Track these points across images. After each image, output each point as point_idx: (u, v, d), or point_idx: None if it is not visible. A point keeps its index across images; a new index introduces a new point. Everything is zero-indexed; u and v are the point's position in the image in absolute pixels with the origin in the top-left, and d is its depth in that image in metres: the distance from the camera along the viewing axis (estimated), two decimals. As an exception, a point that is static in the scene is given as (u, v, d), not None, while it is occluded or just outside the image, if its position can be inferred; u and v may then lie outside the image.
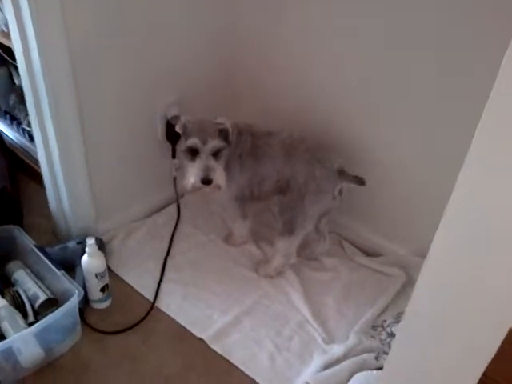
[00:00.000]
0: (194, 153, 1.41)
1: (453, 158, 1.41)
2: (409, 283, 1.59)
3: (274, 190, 1.54)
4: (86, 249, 1.34)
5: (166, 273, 1.58)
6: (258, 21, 1.70)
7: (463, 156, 0.63)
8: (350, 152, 1.63)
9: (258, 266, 1.63)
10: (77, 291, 1.28)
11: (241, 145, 1.49)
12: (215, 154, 1.41)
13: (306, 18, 1.58)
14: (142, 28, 1.48)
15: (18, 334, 1.20)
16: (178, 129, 1.45)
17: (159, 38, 1.54)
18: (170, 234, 1.73)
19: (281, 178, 1.51)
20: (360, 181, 1.48)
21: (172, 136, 1.73)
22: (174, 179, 1.83)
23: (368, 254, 1.74)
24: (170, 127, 1.70)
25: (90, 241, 1.33)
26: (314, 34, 1.58)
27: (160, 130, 1.71)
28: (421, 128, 1.48)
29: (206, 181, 1.39)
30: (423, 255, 1.59)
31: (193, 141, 1.39)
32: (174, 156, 1.79)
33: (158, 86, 1.63)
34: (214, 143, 1.39)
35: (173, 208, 1.85)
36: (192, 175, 1.41)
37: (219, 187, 1.42)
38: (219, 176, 1.41)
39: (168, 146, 1.76)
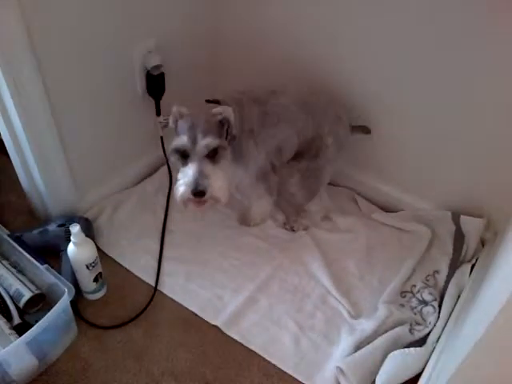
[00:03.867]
0: (184, 155, 1.13)
1: (471, 104, 1.27)
2: (435, 240, 1.44)
3: (293, 155, 1.37)
4: (72, 238, 1.13)
5: (165, 250, 1.40)
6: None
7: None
8: (356, 102, 1.45)
9: (293, 223, 1.48)
10: (66, 290, 1.09)
11: (247, 118, 1.23)
12: (212, 156, 1.12)
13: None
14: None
15: (7, 348, 1.01)
16: (170, 122, 1.17)
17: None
18: (164, 203, 1.53)
19: (302, 141, 1.31)
20: (366, 130, 1.40)
21: (155, 89, 1.48)
22: (161, 139, 1.59)
23: (385, 209, 1.57)
24: (151, 79, 1.44)
25: (74, 229, 1.12)
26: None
27: (140, 83, 1.45)
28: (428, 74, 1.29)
29: (198, 192, 1.10)
30: (446, 208, 1.48)
31: (181, 140, 1.11)
32: (158, 113, 1.54)
33: (133, 30, 1.34)
34: (207, 141, 1.10)
35: (163, 171, 1.63)
36: (181, 185, 1.13)
37: (217, 200, 1.15)
38: (216, 185, 1.12)
39: (151, 101, 1.51)
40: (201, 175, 1.10)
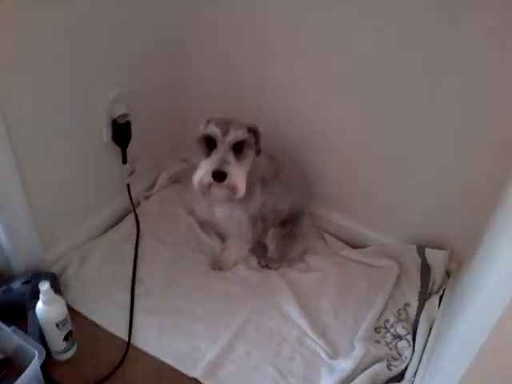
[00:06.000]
0: (210, 145, 1.19)
1: (429, 141, 1.34)
2: (402, 273, 1.48)
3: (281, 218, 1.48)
4: (41, 296, 1.09)
5: (136, 302, 1.35)
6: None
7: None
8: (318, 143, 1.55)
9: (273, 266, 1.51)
10: (37, 352, 1.03)
11: (262, 165, 1.34)
12: (238, 150, 1.19)
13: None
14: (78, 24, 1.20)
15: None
16: (201, 127, 1.23)
17: (96, 31, 1.27)
18: (132, 252, 1.49)
19: (291, 211, 1.45)
20: None
21: (121, 137, 1.47)
22: (128, 186, 1.58)
23: (353, 245, 1.61)
24: (117, 128, 1.44)
25: (44, 286, 1.07)
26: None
27: (106, 132, 1.43)
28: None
29: (219, 174, 1.14)
30: (411, 241, 1.53)
31: (212, 129, 1.17)
32: (124, 160, 1.53)
33: (98, 80, 1.34)
34: (237, 134, 1.17)
35: (130, 219, 1.60)
36: (201, 170, 1.17)
37: (235, 189, 1.18)
38: (237, 174, 1.17)
39: (116, 148, 1.50)
40: (224, 162, 1.15)
